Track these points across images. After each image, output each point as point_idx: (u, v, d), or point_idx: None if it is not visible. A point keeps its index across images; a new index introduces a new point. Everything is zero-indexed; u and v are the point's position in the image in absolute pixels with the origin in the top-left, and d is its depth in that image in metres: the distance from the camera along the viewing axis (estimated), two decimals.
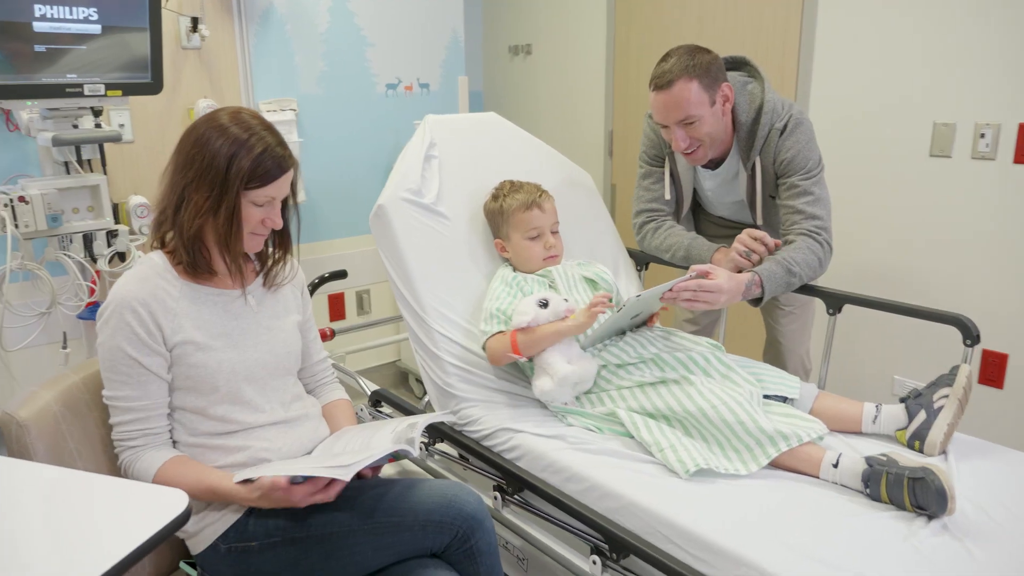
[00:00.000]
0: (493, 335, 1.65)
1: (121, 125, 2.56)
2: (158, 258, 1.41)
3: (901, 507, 1.27)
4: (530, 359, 1.65)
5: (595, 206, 2.18)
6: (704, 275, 1.65)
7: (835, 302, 1.81)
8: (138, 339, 1.33)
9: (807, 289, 1.84)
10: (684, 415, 1.47)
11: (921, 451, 1.48)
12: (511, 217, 1.79)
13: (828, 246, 1.82)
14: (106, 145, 2.52)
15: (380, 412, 1.93)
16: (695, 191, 2.13)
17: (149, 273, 1.39)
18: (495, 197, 1.85)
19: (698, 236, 2.03)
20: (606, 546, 1.32)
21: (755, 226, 2.05)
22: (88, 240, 2.16)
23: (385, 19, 3.13)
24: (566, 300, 1.65)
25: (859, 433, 1.56)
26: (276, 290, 1.56)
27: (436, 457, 1.76)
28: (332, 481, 1.30)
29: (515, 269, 1.83)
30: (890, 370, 2.79)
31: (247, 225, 1.41)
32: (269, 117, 2.72)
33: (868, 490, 1.32)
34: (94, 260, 2.18)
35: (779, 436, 1.39)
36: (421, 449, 1.78)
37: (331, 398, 1.67)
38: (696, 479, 1.37)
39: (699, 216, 2.24)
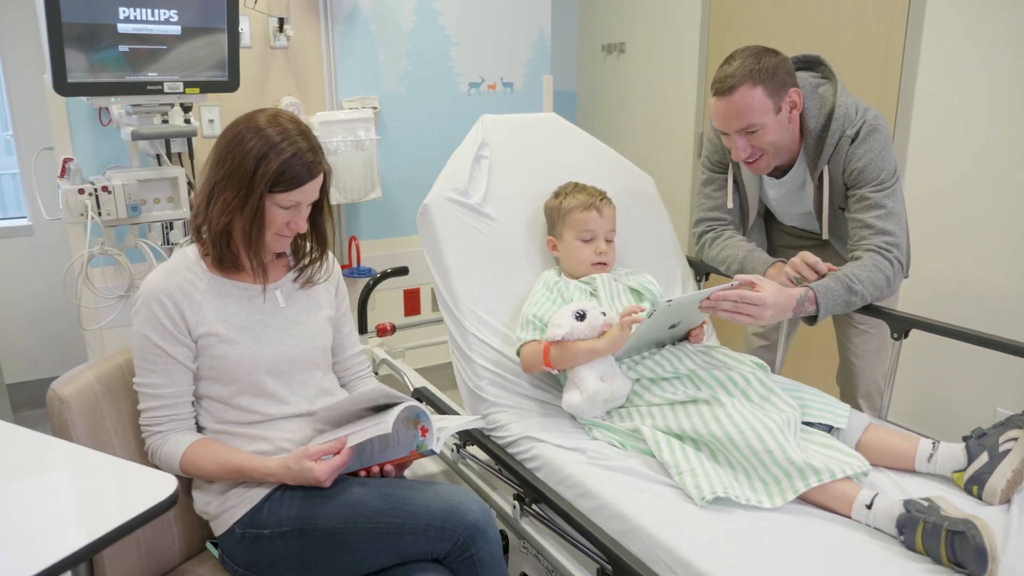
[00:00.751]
0: (527, 343, 1.62)
1: (211, 120, 2.71)
2: (191, 251, 1.47)
3: (937, 561, 1.14)
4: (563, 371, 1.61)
5: (656, 213, 2.09)
6: (750, 286, 1.54)
7: (901, 325, 1.66)
8: (164, 329, 1.39)
9: (871, 310, 1.69)
10: (710, 438, 1.38)
11: (980, 497, 1.32)
12: (568, 215, 1.76)
13: (899, 264, 1.66)
14: (196, 139, 2.68)
15: None
16: (761, 199, 2.01)
17: (179, 266, 1.45)
18: (556, 195, 1.83)
19: (756, 248, 1.91)
20: (610, 568, 1.26)
21: (821, 241, 1.91)
22: (166, 228, 2.30)
23: (470, 18, 3.14)
24: (604, 313, 1.59)
25: (912, 472, 1.42)
26: (310, 287, 1.59)
27: (468, 460, 1.75)
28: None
29: (561, 272, 1.79)
30: (992, 401, 2.53)
31: (272, 226, 1.43)
32: (349, 115, 2.86)
33: (903, 537, 1.19)
34: (171, 248, 2.31)
35: (810, 469, 1.29)
36: (453, 451, 1.77)
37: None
38: (714, 508, 1.29)
39: (771, 225, 2.11)
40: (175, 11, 2.04)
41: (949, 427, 2.64)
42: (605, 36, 4.02)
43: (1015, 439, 1.33)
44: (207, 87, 2.17)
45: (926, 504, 1.19)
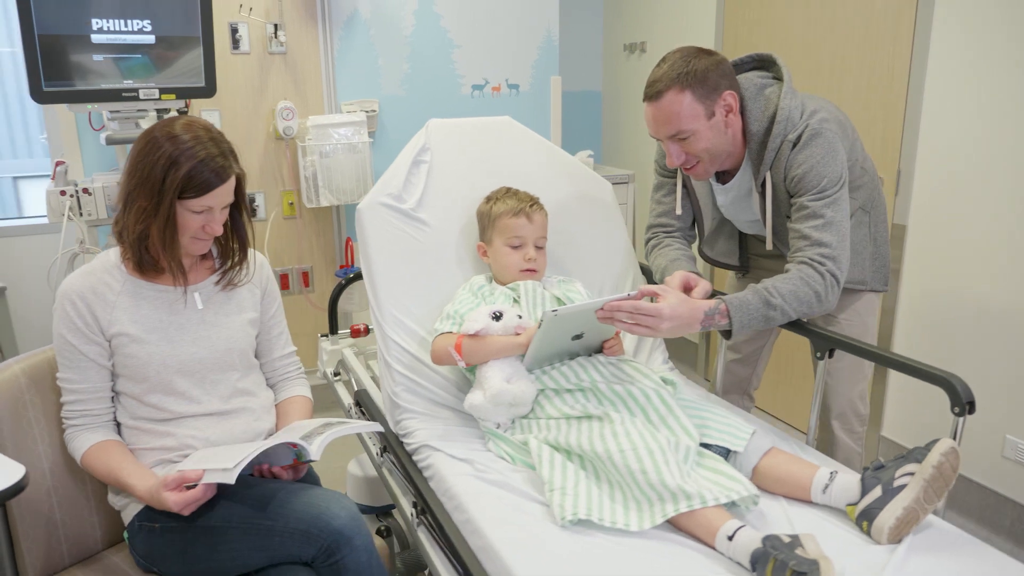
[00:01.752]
0: (441, 334, 1.62)
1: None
2: (112, 254, 1.54)
3: None
4: (471, 369, 1.60)
5: (610, 219, 2.04)
6: (653, 296, 1.48)
7: (823, 344, 1.56)
8: (76, 328, 1.45)
9: (797, 327, 1.60)
10: (593, 456, 1.34)
11: (869, 534, 1.23)
12: (497, 221, 1.75)
13: (832, 278, 1.56)
14: None
15: (363, 413, 1.96)
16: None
17: (96, 268, 1.51)
18: (487, 199, 1.81)
19: (680, 257, 1.83)
20: None
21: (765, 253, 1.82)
22: None
23: (474, 21, 3.14)
24: (520, 316, 1.57)
25: (809, 502, 1.33)
26: (231, 289, 1.63)
27: (387, 466, 1.75)
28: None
29: (492, 279, 1.78)
30: (1001, 427, 2.34)
31: (187, 231, 1.48)
32: (342, 118, 2.92)
33: (755, 572, 1.12)
34: None
35: (681, 494, 1.23)
36: (377, 455, 1.78)
37: (289, 394, 1.72)
38: (577, 528, 1.25)
39: (748, 237, 2.01)
40: (148, 21, 2.13)
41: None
42: (627, 35, 3.94)
43: (912, 474, 1.22)
44: (183, 93, 2.26)
45: (787, 541, 1.12)
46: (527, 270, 1.72)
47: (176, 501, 1.34)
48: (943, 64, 2.35)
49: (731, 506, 1.30)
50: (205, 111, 2.78)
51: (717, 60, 1.63)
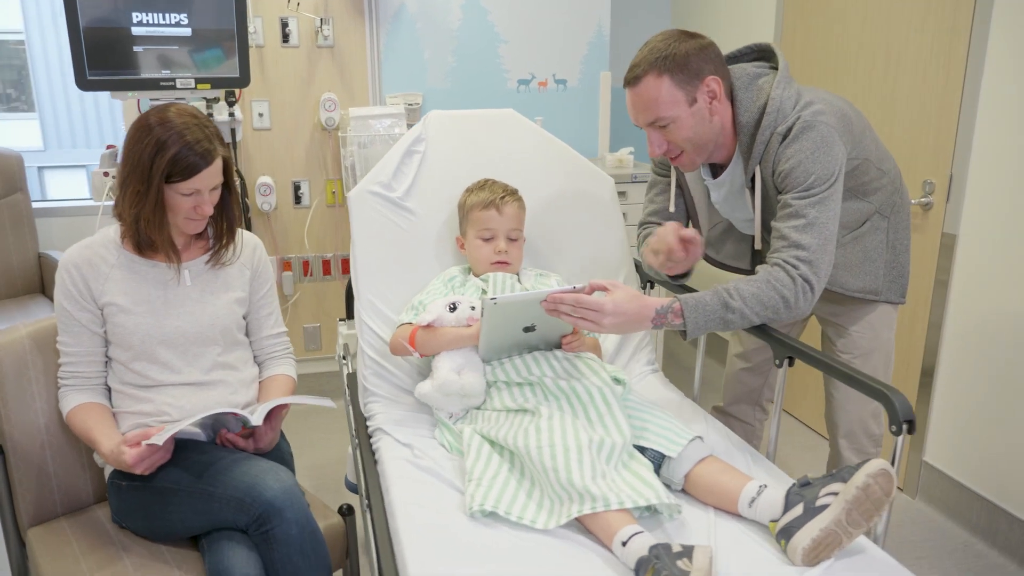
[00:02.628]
0: (401, 325, 1.65)
1: (260, 114, 2.97)
2: (112, 230, 1.65)
3: None
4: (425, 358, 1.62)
5: (608, 215, 2.00)
6: (602, 289, 1.45)
7: (782, 352, 1.47)
8: (71, 295, 1.58)
9: (757, 330, 1.51)
10: (515, 450, 1.33)
11: (786, 552, 1.15)
12: (470, 213, 1.75)
13: (805, 284, 1.47)
14: (247, 131, 2.95)
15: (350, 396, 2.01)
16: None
17: (95, 242, 1.63)
18: (467, 191, 1.82)
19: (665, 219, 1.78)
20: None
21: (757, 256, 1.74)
22: None
23: (521, 16, 3.15)
24: (473, 308, 1.58)
25: (737, 515, 1.26)
26: (220, 268, 1.72)
27: (351, 448, 1.80)
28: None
29: (469, 271, 1.79)
30: None
31: (179, 213, 1.57)
32: (386, 110, 2.99)
33: None
34: None
35: (587, 495, 1.20)
36: (353, 437, 1.83)
37: (273, 372, 1.80)
38: (487, 521, 1.24)
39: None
40: (185, 14, 2.27)
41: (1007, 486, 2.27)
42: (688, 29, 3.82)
43: (836, 494, 1.14)
44: (218, 83, 2.39)
45: (676, 551, 1.07)
46: (498, 263, 1.71)
47: (132, 455, 1.43)
48: (1002, 64, 2.16)
49: (654, 513, 1.26)
50: (255, 101, 2.93)
51: (702, 44, 1.56)
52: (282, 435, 1.77)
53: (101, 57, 2.21)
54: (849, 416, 1.82)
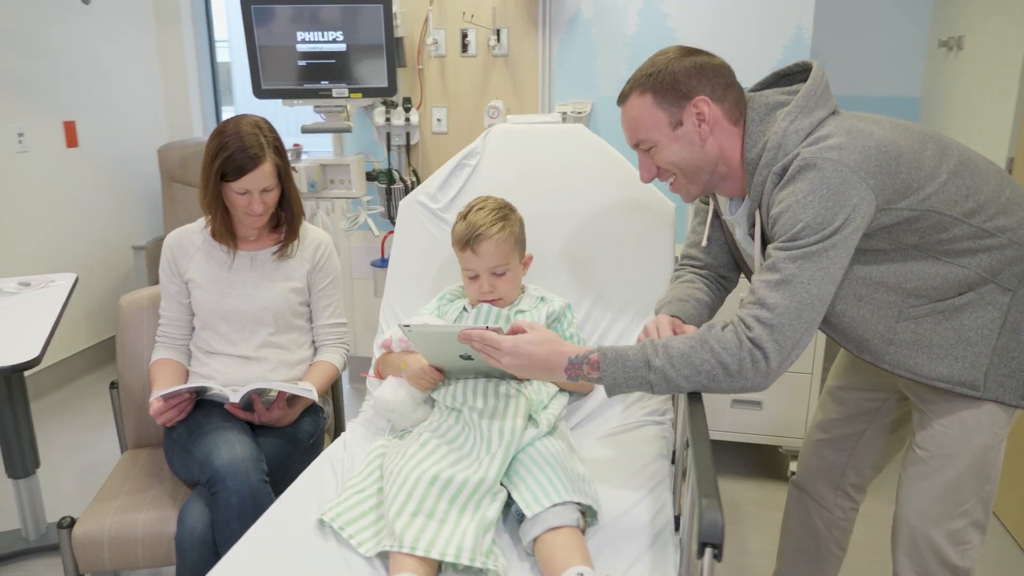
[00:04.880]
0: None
1: (439, 119, 3.21)
2: (204, 219, 1.98)
3: None
4: None
5: (660, 242, 1.83)
6: (521, 332, 1.35)
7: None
8: (165, 270, 1.94)
9: (694, 397, 1.27)
10: (383, 471, 1.33)
11: None
12: (454, 246, 1.64)
13: (756, 351, 1.21)
14: (426, 134, 3.22)
15: None
16: None
17: (191, 227, 1.97)
18: (457, 216, 1.68)
19: (692, 298, 1.55)
20: None
21: None
22: (346, 205, 2.90)
23: (705, 18, 2.94)
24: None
25: None
26: (284, 259, 1.96)
27: None
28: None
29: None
30: None
31: (236, 209, 1.84)
32: (541, 118, 3.00)
33: None
34: (355, 218, 2.91)
35: (395, 532, 1.17)
36: None
37: (320, 358, 2.01)
38: (328, 533, 1.27)
39: None
40: (340, 32, 2.57)
41: None
42: (943, 29, 3.18)
43: None
44: (368, 92, 2.67)
45: None
46: (490, 300, 1.64)
47: (153, 408, 1.73)
48: None
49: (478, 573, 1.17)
50: (435, 107, 3.17)
51: (699, 62, 1.36)
52: (315, 418, 1.94)
53: (272, 70, 2.61)
54: (913, 529, 1.46)
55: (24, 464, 2.28)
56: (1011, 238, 1.32)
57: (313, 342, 2.02)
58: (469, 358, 1.49)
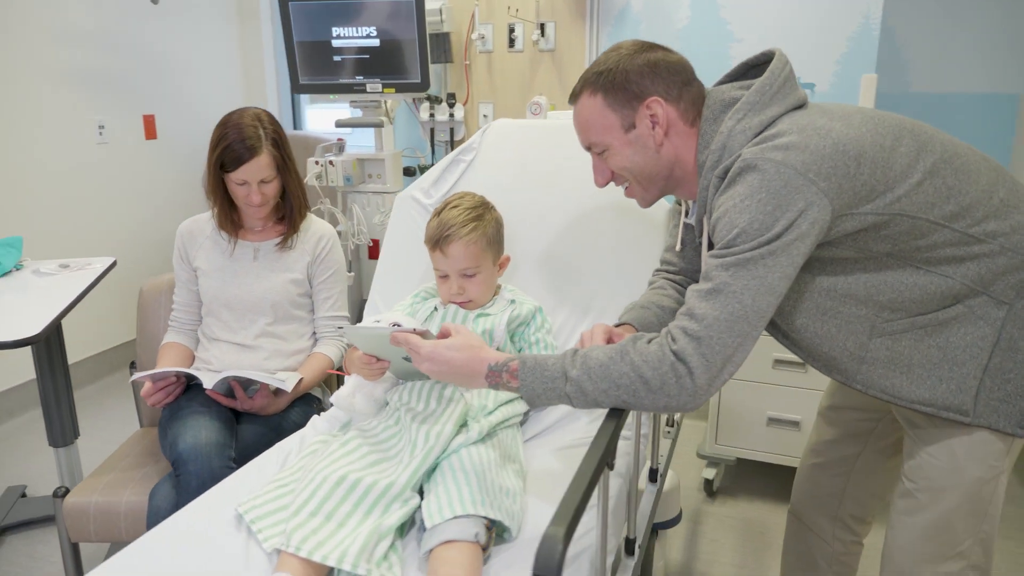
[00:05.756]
0: None
1: (485, 116, 3.18)
2: (214, 210, 2.05)
3: None
4: None
5: (654, 242, 1.71)
6: (448, 335, 1.29)
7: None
8: (176, 257, 2.02)
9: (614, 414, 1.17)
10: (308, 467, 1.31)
11: None
12: (426, 244, 1.61)
13: (680, 365, 1.09)
14: (471, 129, 3.21)
15: None
16: None
17: (202, 216, 2.04)
18: (433, 213, 1.63)
19: (656, 304, 1.44)
20: None
21: None
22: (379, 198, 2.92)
23: (762, 8, 2.76)
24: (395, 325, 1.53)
25: None
26: (285, 250, 1.99)
27: None
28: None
29: None
30: None
31: (238, 200, 1.89)
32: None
33: None
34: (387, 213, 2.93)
35: (286, 533, 1.14)
36: None
37: (317, 350, 2.03)
38: (244, 530, 1.26)
39: None
40: (374, 28, 2.59)
41: None
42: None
43: None
44: (401, 88, 2.67)
45: None
46: (460, 302, 1.58)
47: (147, 389, 1.80)
48: None
49: None
50: (482, 103, 3.14)
51: (653, 60, 1.25)
52: (306, 408, 1.97)
53: (309, 66, 2.66)
54: (899, 566, 1.32)
55: (64, 434, 2.44)
56: (1004, 244, 1.15)
57: (314, 334, 2.04)
58: (409, 359, 1.45)
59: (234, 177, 1.79)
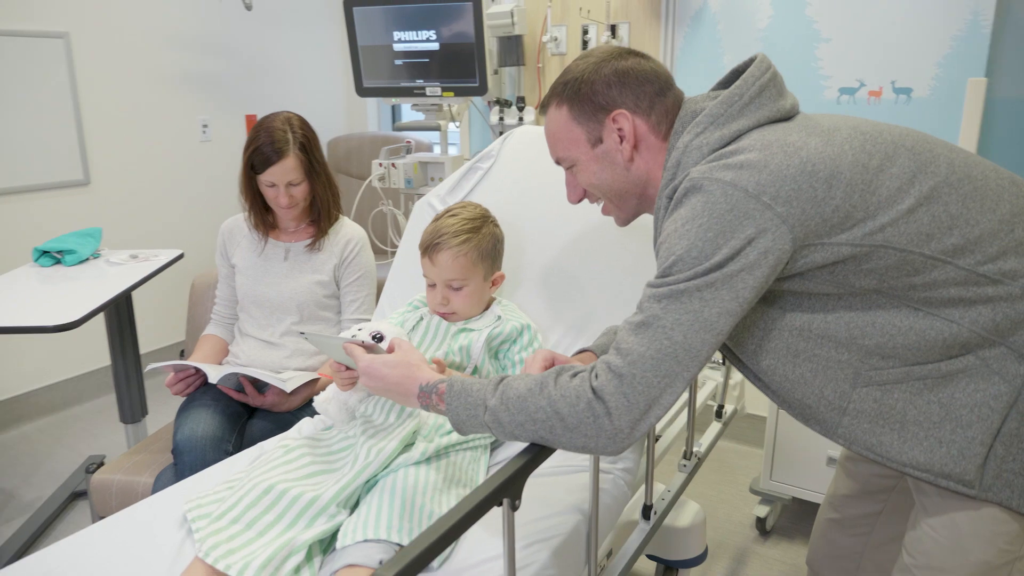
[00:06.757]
0: None
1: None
2: (247, 210, 2.13)
3: None
4: None
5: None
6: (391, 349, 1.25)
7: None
8: (218, 252, 2.11)
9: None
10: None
11: None
12: (419, 248, 1.55)
13: (598, 403, 0.99)
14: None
15: None
16: None
17: (241, 216, 2.13)
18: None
19: (615, 330, 1.33)
20: None
21: None
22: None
23: (854, 5, 2.50)
24: (375, 338, 1.51)
25: None
26: (314, 252, 2.04)
27: None
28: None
29: None
30: None
31: (269, 201, 1.95)
32: None
33: None
34: None
35: (200, 537, 1.15)
36: None
37: None
38: (183, 524, 1.28)
39: None
40: (433, 31, 2.59)
41: None
42: None
43: None
44: (460, 91, 2.66)
45: None
46: (440, 313, 1.54)
47: (169, 379, 1.89)
48: None
49: None
50: (531, 107, 3.07)
51: (622, 69, 1.15)
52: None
53: (372, 69, 2.71)
54: None
55: (133, 412, 2.62)
56: (1008, 282, 0.97)
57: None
58: None
59: (263, 179, 1.85)
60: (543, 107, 1.24)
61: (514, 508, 1.00)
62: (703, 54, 2.77)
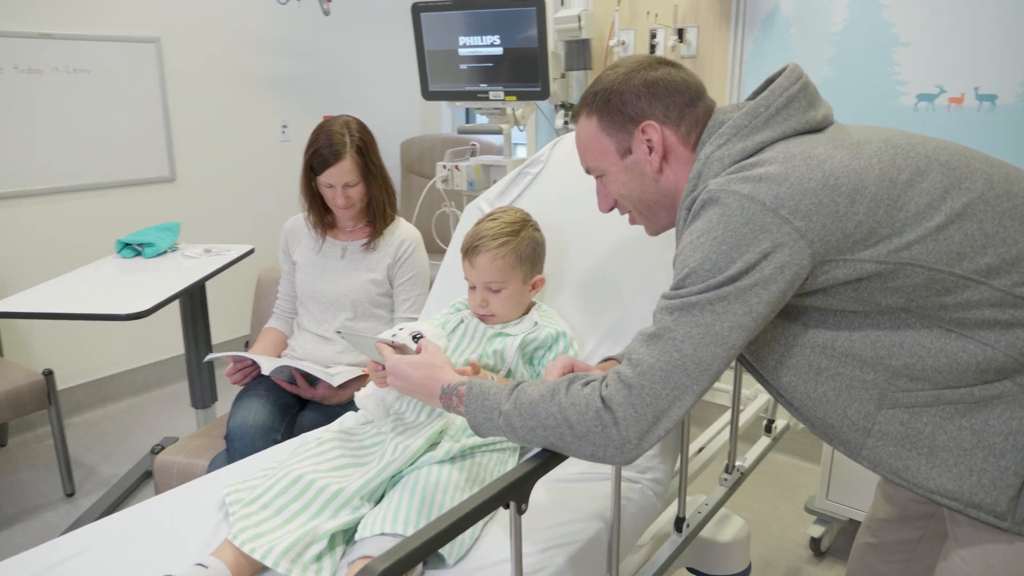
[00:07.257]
0: None
1: None
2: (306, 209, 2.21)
3: None
4: None
5: None
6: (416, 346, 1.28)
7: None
8: (281, 249, 2.21)
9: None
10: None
11: None
12: (461, 251, 1.57)
13: (606, 412, 0.99)
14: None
15: None
16: None
17: (303, 216, 2.21)
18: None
19: None
20: None
21: None
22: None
23: (934, 9, 2.39)
24: (415, 336, 1.54)
25: None
26: (370, 251, 2.10)
27: None
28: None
29: None
30: None
31: (327, 201, 2.03)
32: None
33: None
34: None
35: (236, 528, 1.20)
36: None
37: None
38: (221, 508, 1.35)
39: None
40: (497, 36, 2.62)
41: None
42: None
43: None
44: (522, 95, 2.68)
45: None
46: (480, 315, 1.55)
47: (228, 370, 1.99)
48: None
49: None
50: None
51: (652, 79, 1.14)
52: None
53: (438, 74, 2.76)
54: None
55: (203, 397, 2.76)
56: None
57: None
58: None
59: (321, 180, 1.92)
60: (573, 117, 1.25)
61: (520, 511, 1.01)
62: (774, 59, 2.70)
